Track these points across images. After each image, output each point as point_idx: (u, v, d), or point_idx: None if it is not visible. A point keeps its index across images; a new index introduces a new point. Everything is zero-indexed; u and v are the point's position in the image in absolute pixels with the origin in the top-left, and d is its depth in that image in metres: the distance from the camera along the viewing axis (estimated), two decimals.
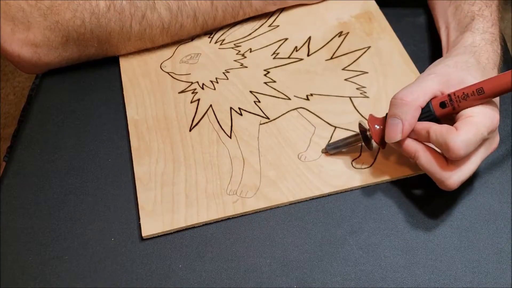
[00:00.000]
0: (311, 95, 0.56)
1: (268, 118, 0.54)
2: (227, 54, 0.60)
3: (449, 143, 0.42)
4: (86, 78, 0.59)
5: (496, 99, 0.46)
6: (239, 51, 0.60)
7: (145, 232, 0.46)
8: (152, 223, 0.47)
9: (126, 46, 0.58)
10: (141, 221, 0.47)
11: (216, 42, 0.61)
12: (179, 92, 0.56)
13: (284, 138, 0.53)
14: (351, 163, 0.51)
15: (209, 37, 0.62)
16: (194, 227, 0.47)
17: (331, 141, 0.52)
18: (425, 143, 0.46)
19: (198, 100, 0.56)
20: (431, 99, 0.45)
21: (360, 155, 0.51)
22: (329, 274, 0.44)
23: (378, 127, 0.48)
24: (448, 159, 0.44)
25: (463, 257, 0.45)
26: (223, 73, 0.58)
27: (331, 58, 0.60)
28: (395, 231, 0.47)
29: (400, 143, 0.46)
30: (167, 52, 0.60)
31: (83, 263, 0.45)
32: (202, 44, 0.61)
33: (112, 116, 0.56)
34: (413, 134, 0.46)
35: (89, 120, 0.55)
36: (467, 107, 0.44)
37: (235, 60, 0.60)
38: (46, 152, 0.53)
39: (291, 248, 0.46)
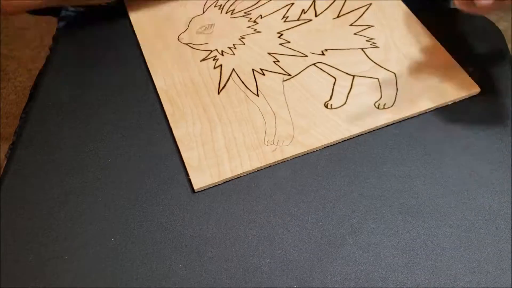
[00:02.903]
0: (326, 50, 0.60)
1: (290, 75, 0.58)
2: (239, 22, 0.63)
3: None
4: (86, 78, 0.59)
5: None
6: (251, 18, 0.64)
7: (196, 185, 0.49)
8: (200, 177, 0.50)
9: None
10: (190, 176, 0.50)
11: (227, 12, 0.64)
12: (200, 60, 0.60)
13: (308, 90, 0.57)
14: (374, 105, 0.54)
15: (219, 9, 0.65)
16: (240, 176, 0.50)
17: None
18: None
19: (221, 65, 0.59)
20: None
21: (381, 97, 0.55)
22: (329, 274, 0.44)
23: None
24: None
25: (463, 257, 0.45)
26: (239, 39, 0.61)
27: (338, 16, 0.64)
28: (395, 231, 0.47)
29: None
30: (181, 26, 0.63)
31: (83, 263, 0.45)
32: (214, 15, 0.64)
33: (112, 116, 0.56)
34: None
35: (89, 120, 0.55)
36: None
37: (248, 27, 0.63)
38: (46, 152, 0.53)
39: (291, 248, 0.46)
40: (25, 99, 0.71)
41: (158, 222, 0.48)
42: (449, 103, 0.54)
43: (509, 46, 0.62)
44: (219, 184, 0.50)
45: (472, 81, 0.56)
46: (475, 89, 0.55)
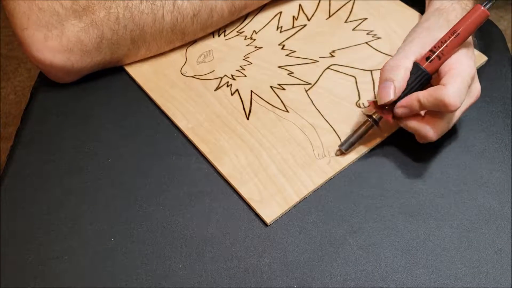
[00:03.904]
0: (333, 51, 0.60)
1: (310, 83, 0.57)
2: (236, 42, 0.61)
3: (443, 98, 0.45)
4: (87, 78, 0.59)
5: (470, 48, 0.50)
6: (246, 36, 0.62)
7: (269, 219, 0.47)
8: (268, 209, 0.48)
9: (158, 41, 0.57)
10: (259, 212, 0.47)
11: (219, 36, 0.62)
12: (214, 90, 0.57)
13: (335, 94, 0.56)
14: None
15: (210, 34, 0.62)
16: (305, 198, 0.49)
17: (343, 140, 0.51)
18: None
19: (237, 90, 0.57)
20: (416, 60, 0.48)
21: None
22: (329, 274, 0.44)
23: (386, 107, 0.49)
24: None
25: (463, 257, 0.45)
26: (244, 59, 0.60)
27: (330, 16, 0.63)
28: (395, 231, 0.47)
29: (404, 106, 0.48)
30: (179, 59, 0.60)
31: (83, 263, 0.45)
32: (209, 41, 0.62)
33: (112, 116, 0.56)
34: (407, 111, 0.48)
35: (89, 120, 0.55)
36: (450, 53, 0.48)
37: (247, 45, 0.61)
38: (46, 152, 0.53)
39: (291, 248, 0.46)
40: (25, 99, 0.71)
41: (158, 222, 0.48)
42: None
43: (509, 46, 0.62)
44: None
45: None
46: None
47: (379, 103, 0.48)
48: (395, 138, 0.52)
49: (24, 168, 0.52)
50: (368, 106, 0.51)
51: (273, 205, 0.48)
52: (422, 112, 0.49)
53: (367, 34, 0.61)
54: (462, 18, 0.49)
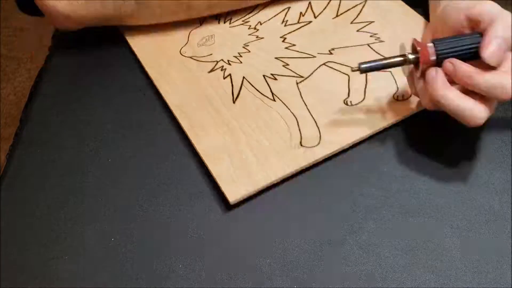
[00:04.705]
0: (333, 49, 0.60)
1: (303, 77, 0.58)
2: (239, 30, 0.63)
3: (508, 90, 0.43)
4: (87, 78, 0.59)
5: None
6: (250, 26, 0.63)
7: (232, 198, 0.48)
8: (233, 189, 0.48)
9: (162, 7, 0.57)
10: (223, 189, 0.48)
11: (225, 22, 0.64)
12: (208, 72, 0.58)
13: (325, 90, 0.56)
14: (393, 97, 0.55)
15: (216, 19, 0.64)
16: (273, 185, 0.49)
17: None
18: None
19: (230, 75, 0.58)
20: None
21: (397, 89, 0.56)
22: (329, 274, 0.44)
23: (429, 51, 0.47)
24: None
25: (463, 257, 0.45)
26: (243, 47, 0.61)
27: (337, 15, 0.64)
28: (395, 231, 0.47)
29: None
30: (181, 40, 0.62)
31: (83, 263, 0.45)
32: (213, 27, 0.63)
33: (112, 116, 0.56)
34: (454, 73, 0.45)
35: (89, 120, 0.55)
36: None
37: (249, 34, 0.62)
38: (46, 152, 0.53)
39: (291, 248, 0.46)
40: (25, 99, 0.71)
41: (158, 222, 0.48)
42: None
43: None
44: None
45: None
46: None
47: (484, 56, 0.44)
48: (395, 138, 0.52)
49: (24, 168, 0.52)
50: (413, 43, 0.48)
51: (239, 187, 0.48)
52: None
53: (371, 36, 0.61)
54: None
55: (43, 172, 0.51)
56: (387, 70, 0.55)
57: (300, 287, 0.44)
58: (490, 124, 0.53)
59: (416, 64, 0.48)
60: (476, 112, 0.45)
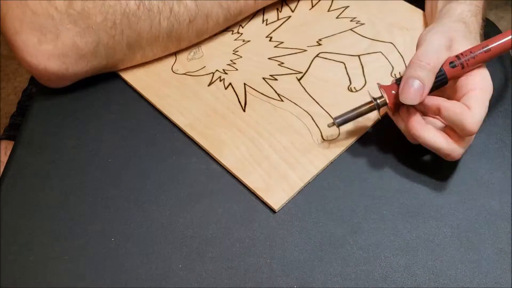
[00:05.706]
0: (320, 40, 0.61)
1: (301, 72, 0.58)
2: (223, 37, 0.62)
3: (466, 123, 0.44)
4: (86, 79, 0.59)
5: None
6: (233, 31, 0.63)
7: (276, 206, 0.48)
8: (275, 197, 0.48)
9: (154, 46, 0.57)
10: (265, 199, 0.48)
11: None
12: (208, 85, 0.57)
13: (326, 81, 0.57)
14: (391, 76, 0.56)
15: None
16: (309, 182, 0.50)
17: (339, 114, 0.50)
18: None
19: (230, 84, 0.57)
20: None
21: (392, 67, 0.57)
22: (329, 274, 0.44)
23: (394, 92, 0.48)
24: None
25: (463, 257, 0.45)
26: (233, 53, 0.60)
27: (312, 6, 0.65)
28: (395, 231, 0.47)
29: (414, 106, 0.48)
30: (169, 59, 0.60)
31: (83, 263, 0.45)
32: None
33: (112, 116, 0.56)
34: (421, 108, 0.47)
35: (89, 120, 0.55)
36: (473, 67, 0.47)
37: (235, 39, 0.62)
38: (46, 152, 0.53)
39: (291, 248, 0.46)
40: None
41: (158, 222, 0.48)
42: None
43: None
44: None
45: None
46: None
47: (402, 100, 0.46)
48: (395, 138, 0.52)
49: (24, 168, 0.52)
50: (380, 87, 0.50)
51: (279, 192, 0.48)
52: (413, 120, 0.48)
53: (351, 21, 0.63)
54: (497, 36, 0.47)
55: (43, 172, 0.51)
56: (377, 51, 0.59)
57: (300, 287, 0.44)
58: (490, 124, 0.54)
59: (388, 105, 0.49)
60: (450, 150, 0.47)
